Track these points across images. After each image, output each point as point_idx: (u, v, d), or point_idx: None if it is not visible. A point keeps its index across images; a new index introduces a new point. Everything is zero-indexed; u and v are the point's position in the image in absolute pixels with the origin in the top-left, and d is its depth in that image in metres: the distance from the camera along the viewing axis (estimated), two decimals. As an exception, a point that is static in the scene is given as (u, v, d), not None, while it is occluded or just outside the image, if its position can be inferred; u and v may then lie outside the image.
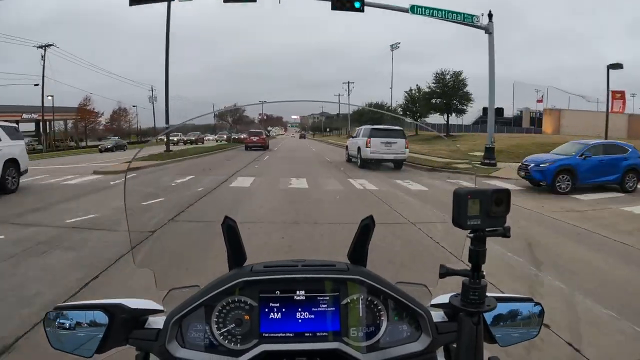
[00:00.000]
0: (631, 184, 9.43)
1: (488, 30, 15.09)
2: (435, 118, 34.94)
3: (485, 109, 19.51)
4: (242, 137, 26.03)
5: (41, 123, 35.70)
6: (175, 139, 33.09)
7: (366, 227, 0.83)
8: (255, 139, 21.98)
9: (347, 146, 16.18)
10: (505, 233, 0.64)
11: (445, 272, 0.67)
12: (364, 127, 14.53)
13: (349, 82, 57.41)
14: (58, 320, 0.76)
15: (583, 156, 9.35)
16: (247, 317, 0.77)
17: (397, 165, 12.99)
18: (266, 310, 0.77)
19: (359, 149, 13.38)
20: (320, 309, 0.77)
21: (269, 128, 65.02)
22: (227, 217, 0.81)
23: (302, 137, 66.49)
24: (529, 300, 0.85)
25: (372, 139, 12.64)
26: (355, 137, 14.67)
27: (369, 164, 12.73)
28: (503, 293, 0.82)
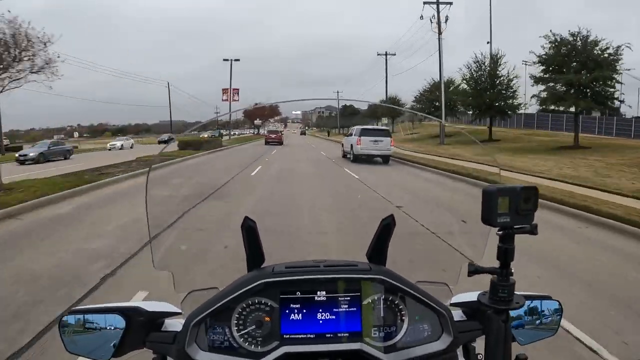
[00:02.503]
0: None
1: None
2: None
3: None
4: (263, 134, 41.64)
5: None
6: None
7: (387, 227, 0.81)
8: (273, 136, 29.42)
9: (342, 144, 18.31)
10: (533, 230, 0.63)
11: (474, 270, 0.66)
12: (356, 127, 16.51)
13: (386, 54, 37.87)
14: (74, 323, 0.74)
15: None
16: (267, 318, 0.75)
17: (385, 159, 15.00)
18: (287, 311, 0.75)
19: (351, 146, 15.55)
20: (341, 309, 0.76)
21: (257, 121, 56.04)
22: (247, 218, 0.78)
23: (303, 133, 69.41)
24: (548, 297, 0.83)
25: (362, 137, 14.90)
26: (349, 136, 16.86)
27: (360, 159, 14.79)
28: (520, 291, 0.81)
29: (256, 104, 54.90)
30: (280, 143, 27.47)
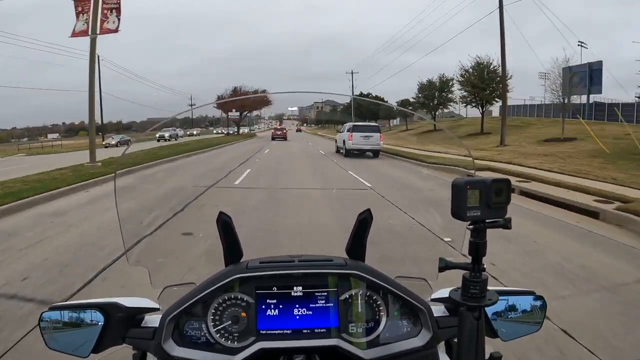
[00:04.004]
0: None
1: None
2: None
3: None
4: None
5: None
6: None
7: (364, 221, 0.80)
8: (279, 132, 32.71)
9: (335, 139, 19.37)
10: (506, 224, 0.61)
11: (444, 266, 0.64)
12: (347, 123, 17.58)
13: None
14: (54, 320, 0.73)
15: None
16: (243, 314, 0.74)
17: (375, 154, 16.18)
18: (263, 307, 0.74)
19: (344, 141, 16.62)
20: (318, 305, 0.75)
21: (233, 113, 42.04)
22: (221, 213, 0.77)
23: (298, 130, 61.79)
24: (531, 293, 0.82)
25: (353, 133, 16.11)
26: (342, 132, 17.91)
27: (352, 154, 15.96)
28: (504, 287, 0.81)
29: (235, 89, 40.70)
30: (285, 139, 32.37)
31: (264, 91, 47.55)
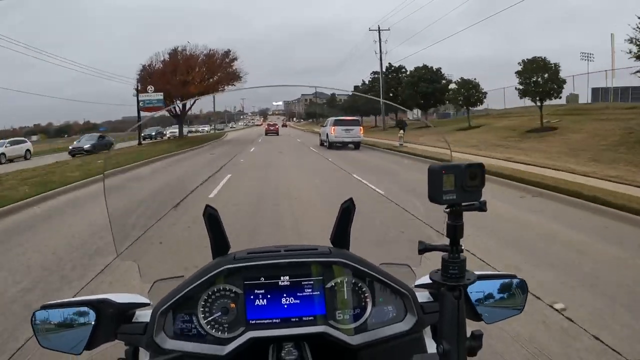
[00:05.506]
0: None
1: None
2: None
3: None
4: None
5: None
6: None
7: (347, 210, 0.82)
8: (272, 128, 36.43)
9: (319, 133, 20.58)
10: (482, 207, 0.63)
11: (423, 248, 0.66)
12: (330, 118, 18.58)
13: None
14: (45, 319, 0.73)
15: None
16: (233, 305, 0.75)
17: (356, 145, 17.08)
18: (251, 297, 0.75)
19: (327, 134, 17.71)
20: (305, 293, 0.76)
21: (146, 97, 22.97)
22: (208, 206, 0.78)
23: (284, 125, 59.11)
24: (513, 276, 0.85)
25: (335, 127, 17.18)
26: (325, 126, 19.04)
27: (334, 146, 17.03)
28: (486, 271, 0.84)
29: (175, 51, 24.15)
30: (277, 133, 34.78)
31: (228, 51, 27.50)
